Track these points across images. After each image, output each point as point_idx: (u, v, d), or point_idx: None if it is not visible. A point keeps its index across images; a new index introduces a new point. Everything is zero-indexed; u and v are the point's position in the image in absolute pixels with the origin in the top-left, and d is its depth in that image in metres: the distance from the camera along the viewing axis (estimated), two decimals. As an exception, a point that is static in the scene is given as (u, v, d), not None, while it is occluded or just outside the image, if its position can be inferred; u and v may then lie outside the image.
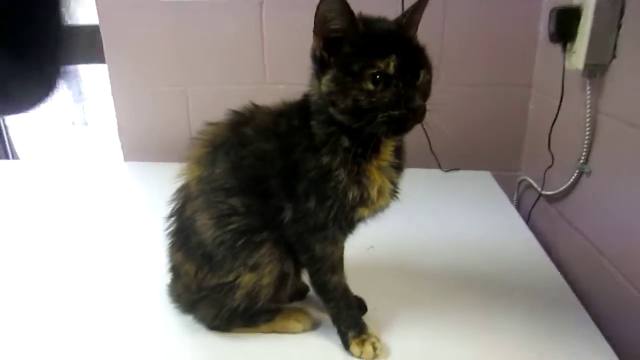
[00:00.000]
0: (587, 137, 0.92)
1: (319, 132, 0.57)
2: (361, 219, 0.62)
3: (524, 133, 1.30)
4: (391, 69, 0.51)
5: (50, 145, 2.60)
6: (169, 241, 0.67)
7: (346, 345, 0.63)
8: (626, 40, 0.81)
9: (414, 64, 0.53)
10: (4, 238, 0.98)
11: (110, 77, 1.40)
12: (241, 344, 0.65)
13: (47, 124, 2.75)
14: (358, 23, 0.52)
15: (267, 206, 0.60)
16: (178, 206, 0.65)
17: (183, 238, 0.64)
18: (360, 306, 0.71)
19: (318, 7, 0.51)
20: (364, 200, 0.58)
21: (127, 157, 1.49)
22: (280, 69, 1.34)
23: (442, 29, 1.24)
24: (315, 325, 0.68)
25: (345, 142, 0.57)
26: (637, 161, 0.77)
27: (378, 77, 0.51)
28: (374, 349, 0.61)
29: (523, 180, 1.28)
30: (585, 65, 0.87)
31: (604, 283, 0.82)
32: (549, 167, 1.05)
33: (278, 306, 0.68)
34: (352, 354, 0.62)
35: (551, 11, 0.95)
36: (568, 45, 0.93)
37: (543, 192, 1.11)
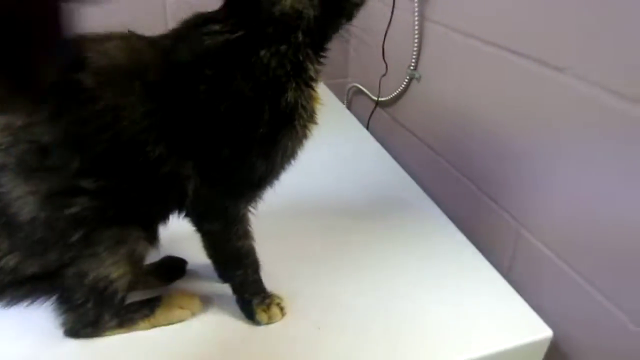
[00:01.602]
0: (415, 44, 0.96)
1: (278, 64, 0.47)
2: None
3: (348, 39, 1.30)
4: None
5: None
6: None
7: (251, 315, 0.58)
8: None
9: None
10: None
11: None
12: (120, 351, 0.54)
13: None
14: None
15: (142, 183, 0.48)
16: None
17: None
18: None
19: None
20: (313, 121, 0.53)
21: None
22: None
23: None
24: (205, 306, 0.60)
25: (312, 70, 0.50)
26: (459, 64, 0.84)
27: None
28: (281, 309, 0.58)
29: (352, 87, 1.32)
30: (415, -28, 0.88)
31: (444, 179, 0.93)
32: (383, 75, 1.09)
33: (154, 295, 0.58)
34: (260, 322, 0.57)
35: None
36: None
37: (377, 99, 1.16)
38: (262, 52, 0.46)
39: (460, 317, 0.61)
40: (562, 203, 0.63)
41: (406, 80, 1.02)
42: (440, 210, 0.84)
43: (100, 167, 0.45)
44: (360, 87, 1.25)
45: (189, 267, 0.65)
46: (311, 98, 0.50)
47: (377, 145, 1.05)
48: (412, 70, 0.99)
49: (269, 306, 0.58)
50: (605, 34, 0.54)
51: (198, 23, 0.48)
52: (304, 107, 0.49)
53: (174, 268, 0.64)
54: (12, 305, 0.51)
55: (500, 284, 0.67)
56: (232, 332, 0.57)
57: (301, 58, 0.48)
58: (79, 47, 0.42)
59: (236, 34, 0.47)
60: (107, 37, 0.48)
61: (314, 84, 0.51)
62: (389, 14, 1.03)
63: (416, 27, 0.94)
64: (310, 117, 0.51)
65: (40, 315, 0.54)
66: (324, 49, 0.52)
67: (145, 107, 0.45)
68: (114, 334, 0.55)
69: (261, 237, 0.61)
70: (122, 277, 0.50)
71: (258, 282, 0.59)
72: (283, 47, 0.47)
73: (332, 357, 0.55)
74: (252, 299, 0.58)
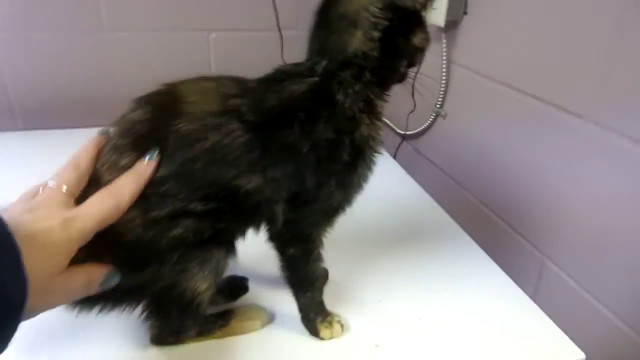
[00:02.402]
0: (443, 85, 1.06)
1: (353, 102, 0.55)
2: None
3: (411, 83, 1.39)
4: None
5: None
6: None
7: (315, 332, 0.63)
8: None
9: None
10: None
11: None
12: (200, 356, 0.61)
13: None
14: None
15: (240, 205, 0.54)
16: None
17: None
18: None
19: None
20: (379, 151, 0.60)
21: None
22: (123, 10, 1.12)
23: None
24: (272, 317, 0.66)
25: (379, 106, 0.58)
26: (483, 104, 0.93)
27: None
28: (341, 325, 0.64)
29: (378, 120, 1.41)
30: (445, 21, 0.98)
31: (468, 211, 1.01)
32: (411, 112, 1.18)
33: (228, 308, 0.65)
34: (324, 339, 0.63)
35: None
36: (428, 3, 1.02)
37: (404, 133, 1.25)
38: (340, 93, 0.54)
39: (492, 341, 0.65)
40: (585, 235, 0.69)
41: (432, 116, 1.11)
42: (468, 236, 0.91)
43: (209, 193, 0.52)
44: (387, 121, 1.35)
45: (249, 283, 0.72)
46: (380, 130, 0.58)
47: (405, 174, 1.13)
48: (438, 108, 1.08)
49: (331, 323, 0.63)
50: (621, 85, 0.62)
51: (284, 71, 0.57)
52: (373, 139, 0.57)
53: (238, 286, 0.70)
54: (101, 313, 0.57)
55: (530, 307, 0.73)
56: (298, 343, 0.63)
57: (371, 96, 0.56)
58: None
59: (317, 78, 0.54)
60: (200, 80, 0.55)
61: (381, 118, 0.58)
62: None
63: (444, 70, 1.04)
64: (377, 147, 0.58)
65: (127, 321, 0.61)
66: (387, 88, 0.59)
67: (246, 144, 0.52)
68: (192, 342, 0.61)
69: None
70: (207, 290, 0.56)
71: (321, 303, 0.65)
72: (357, 87, 0.54)
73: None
74: (316, 317, 0.63)
